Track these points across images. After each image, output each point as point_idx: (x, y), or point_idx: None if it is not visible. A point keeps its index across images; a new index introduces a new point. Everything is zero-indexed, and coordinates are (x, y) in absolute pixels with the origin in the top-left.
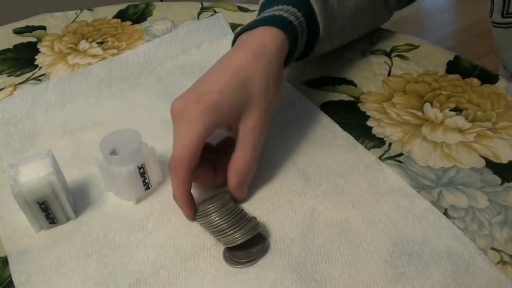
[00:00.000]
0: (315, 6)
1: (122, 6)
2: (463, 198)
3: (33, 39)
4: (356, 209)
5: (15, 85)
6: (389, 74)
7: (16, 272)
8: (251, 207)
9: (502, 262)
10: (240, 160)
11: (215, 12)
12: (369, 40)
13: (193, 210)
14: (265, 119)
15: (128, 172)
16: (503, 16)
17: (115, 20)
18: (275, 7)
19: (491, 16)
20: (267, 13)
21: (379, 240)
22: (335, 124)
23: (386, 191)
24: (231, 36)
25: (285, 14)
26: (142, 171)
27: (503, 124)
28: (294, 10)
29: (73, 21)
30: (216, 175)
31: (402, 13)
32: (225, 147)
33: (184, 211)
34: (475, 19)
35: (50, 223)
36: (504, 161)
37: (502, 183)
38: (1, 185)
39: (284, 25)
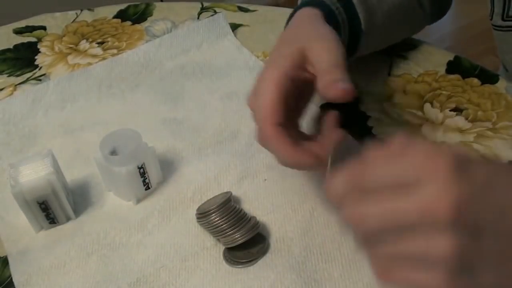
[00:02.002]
0: None
1: (122, 6)
2: None
3: (33, 39)
4: None
5: (15, 85)
6: (389, 74)
7: (16, 272)
8: (251, 207)
9: None
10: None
11: (215, 12)
12: None
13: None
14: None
15: (128, 172)
16: (503, 19)
17: (115, 20)
18: None
19: (491, 19)
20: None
21: None
22: None
23: None
24: (231, 36)
25: (327, 2)
26: (142, 171)
27: (503, 124)
28: (334, 0)
29: (73, 21)
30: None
31: None
32: None
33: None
34: (475, 19)
35: (50, 223)
36: (504, 161)
37: None
38: (1, 185)
39: (324, 10)
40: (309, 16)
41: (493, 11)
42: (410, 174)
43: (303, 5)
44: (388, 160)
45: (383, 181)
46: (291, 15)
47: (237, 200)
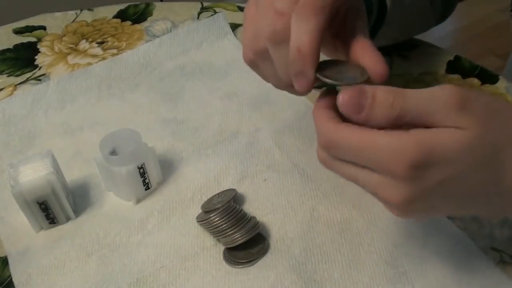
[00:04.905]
0: None
1: (122, 6)
2: None
3: (33, 39)
4: (356, 209)
5: (15, 85)
6: None
7: (16, 272)
8: (251, 207)
9: (502, 262)
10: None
11: (215, 12)
12: None
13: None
14: None
15: (128, 172)
16: None
17: (115, 20)
18: None
19: (511, 10)
20: None
21: (379, 240)
22: None
23: None
24: (231, 36)
25: None
26: (142, 171)
27: None
28: None
29: (73, 21)
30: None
31: None
32: None
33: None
34: (475, 19)
35: (50, 223)
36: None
37: None
38: (1, 185)
39: None
40: None
41: None
42: (371, 163)
43: None
44: (354, 145)
45: (349, 156)
46: None
47: (237, 200)
